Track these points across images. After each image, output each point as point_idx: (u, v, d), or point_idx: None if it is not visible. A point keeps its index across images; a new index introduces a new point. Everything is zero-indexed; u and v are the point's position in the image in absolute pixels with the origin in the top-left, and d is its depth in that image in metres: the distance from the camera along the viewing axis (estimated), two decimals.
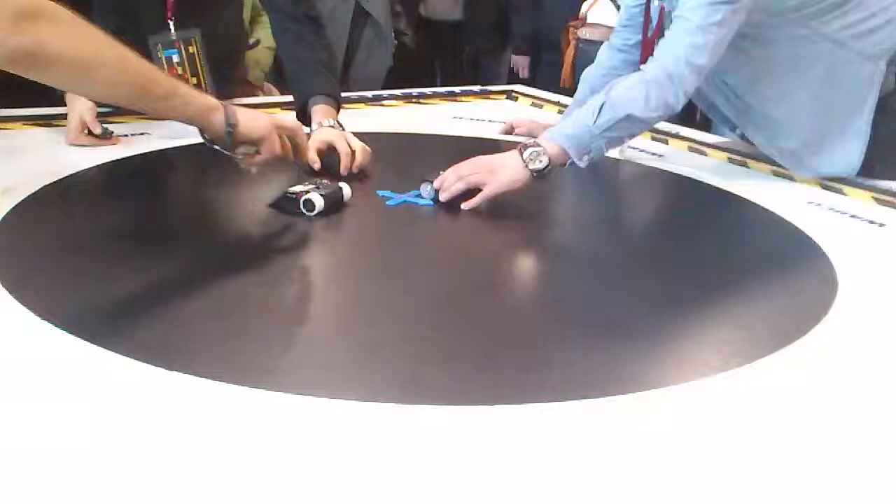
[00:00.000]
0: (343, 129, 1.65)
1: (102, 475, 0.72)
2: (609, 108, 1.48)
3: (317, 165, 1.54)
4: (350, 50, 2.95)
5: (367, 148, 1.60)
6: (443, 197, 1.42)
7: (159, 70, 1.17)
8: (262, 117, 1.29)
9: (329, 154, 1.58)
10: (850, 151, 1.68)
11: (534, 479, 0.75)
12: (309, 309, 1.12)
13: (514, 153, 1.45)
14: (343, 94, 2.33)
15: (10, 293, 1.00)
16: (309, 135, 1.59)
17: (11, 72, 1.03)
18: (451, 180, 1.43)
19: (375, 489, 0.73)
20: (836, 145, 1.68)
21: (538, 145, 1.45)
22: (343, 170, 1.55)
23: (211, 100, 1.25)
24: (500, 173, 1.42)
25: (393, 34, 3.35)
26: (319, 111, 1.68)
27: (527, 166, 1.43)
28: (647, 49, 1.80)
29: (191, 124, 1.24)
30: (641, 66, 1.58)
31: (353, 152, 1.57)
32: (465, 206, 1.41)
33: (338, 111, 1.72)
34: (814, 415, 0.89)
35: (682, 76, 1.50)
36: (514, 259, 1.29)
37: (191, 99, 1.21)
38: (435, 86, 2.59)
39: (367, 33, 3.12)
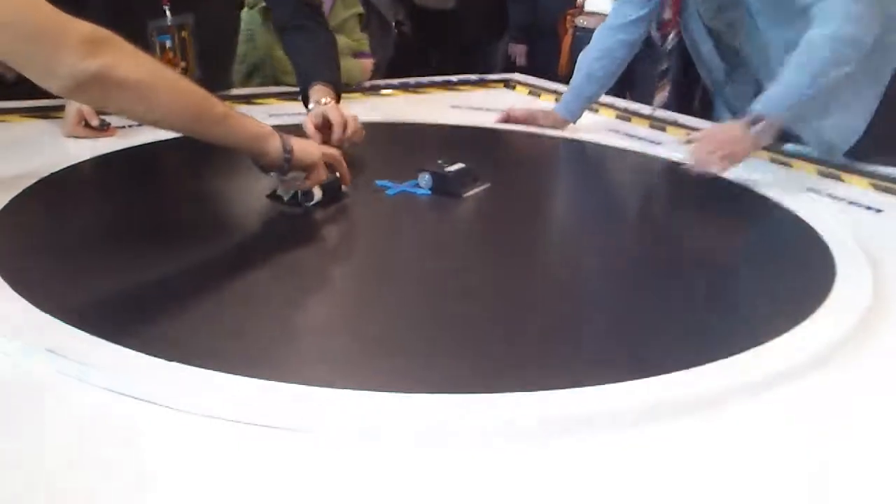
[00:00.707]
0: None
1: (105, 468, 0.73)
2: (815, 71, 1.57)
3: (318, 138, 1.55)
4: None
5: (360, 125, 1.62)
6: (699, 168, 1.58)
7: (211, 95, 1.18)
8: (312, 144, 1.31)
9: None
10: (856, 121, 1.71)
11: (532, 467, 0.75)
12: (307, 299, 1.12)
13: (742, 126, 1.59)
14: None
15: (9, 284, 0.99)
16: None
17: (74, 99, 1.04)
18: (706, 150, 1.58)
19: (375, 478, 0.73)
20: (847, 110, 1.72)
21: (762, 118, 1.57)
22: (335, 141, 1.56)
23: (264, 126, 1.26)
24: (742, 144, 1.58)
25: (393, 24, 3.35)
26: (317, 91, 1.69)
27: (757, 138, 1.58)
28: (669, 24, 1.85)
29: (246, 150, 1.24)
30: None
31: (346, 123, 1.60)
32: (719, 170, 1.58)
33: (337, 98, 1.71)
34: (811, 400, 0.89)
35: (859, 14, 1.57)
36: (513, 249, 1.28)
37: (246, 123, 1.23)
38: (430, 75, 2.58)
39: (371, 22, 3.11)
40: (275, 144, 1.24)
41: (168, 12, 1.83)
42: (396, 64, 3.18)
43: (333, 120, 1.59)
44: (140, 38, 1.69)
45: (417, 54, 3.68)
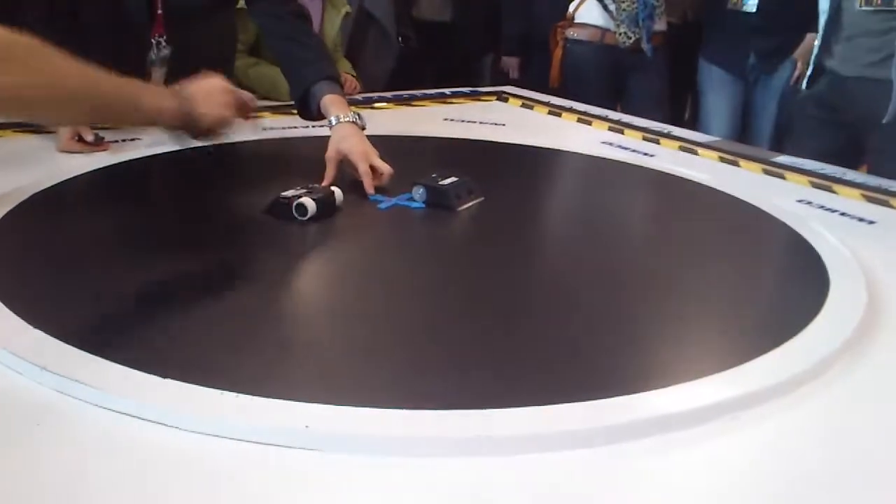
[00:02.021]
0: (363, 124, 1.59)
1: (104, 487, 0.72)
2: None
3: (327, 180, 1.45)
4: (353, 52, 2.94)
5: (388, 168, 1.51)
6: None
7: (116, 75, 1.12)
8: (213, 92, 1.27)
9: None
10: None
11: (535, 480, 0.76)
12: (302, 314, 1.12)
13: None
14: None
15: (3, 301, 0.99)
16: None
17: None
18: None
19: (379, 495, 0.73)
20: None
21: None
22: (367, 188, 1.48)
23: (164, 89, 1.24)
24: None
25: (399, 38, 3.38)
26: (332, 103, 1.59)
27: None
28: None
29: (156, 121, 1.20)
30: None
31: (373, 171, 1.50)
32: None
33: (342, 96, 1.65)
34: (807, 413, 0.89)
35: None
36: (509, 262, 1.29)
37: (151, 91, 1.20)
38: (427, 87, 2.59)
39: (373, 35, 3.11)
40: (174, 99, 1.20)
41: (164, 42, 1.79)
42: (397, 76, 3.19)
43: (360, 170, 1.49)
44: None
45: (417, 66, 3.68)
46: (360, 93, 2.43)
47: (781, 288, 1.23)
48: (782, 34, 2.93)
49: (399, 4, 3.51)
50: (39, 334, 0.93)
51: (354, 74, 2.60)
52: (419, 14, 3.87)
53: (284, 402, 0.82)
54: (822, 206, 1.58)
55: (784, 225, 1.45)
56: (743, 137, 3.03)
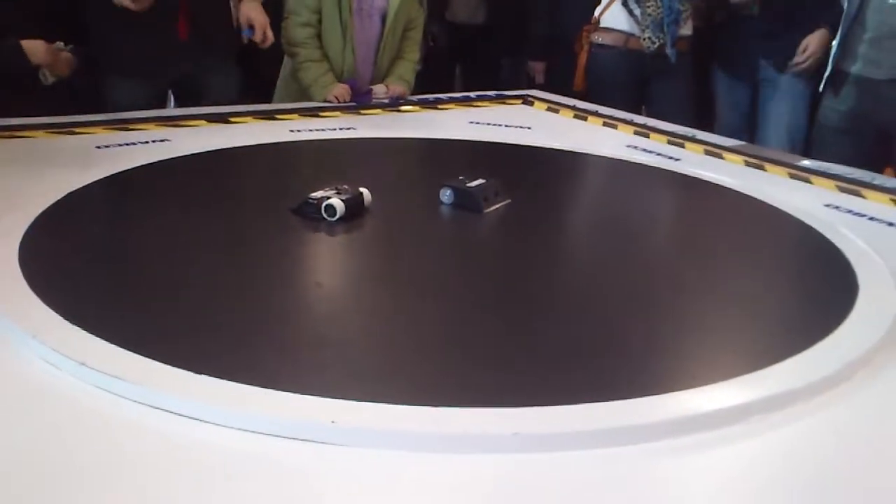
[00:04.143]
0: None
1: (139, 479, 0.74)
2: None
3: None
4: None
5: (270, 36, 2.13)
6: None
7: None
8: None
9: None
10: None
11: (555, 477, 0.76)
12: (330, 312, 1.12)
13: None
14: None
15: (38, 296, 1.01)
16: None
17: None
18: None
19: (404, 488, 0.74)
20: None
21: None
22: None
23: None
24: None
25: (429, 38, 3.38)
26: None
27: None
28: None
29: None
30: None
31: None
32: None
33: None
34: (832, 416, 0.89)
35: None
36: (535, 263, 1.29)
37: None
38: (456, 89, 2.59)
39: None
40: None
41: None
42: (425, 76, 3.20)
43: (257, 25, 2.11)
44: None
45: (446, 68, 3.70)
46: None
47: (810, 292, 1.23)
48: (788, 35, 2.86)
49: (431, 5, 3.52)
50: (76, 330, 0.94)
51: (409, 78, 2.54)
52: (452, 16, 3.88)
53: (312, 397, 0.83)
54: (850, 211, 1.57)
55: (812, 229, 1.44)
56: (754, 143, 2.99)
